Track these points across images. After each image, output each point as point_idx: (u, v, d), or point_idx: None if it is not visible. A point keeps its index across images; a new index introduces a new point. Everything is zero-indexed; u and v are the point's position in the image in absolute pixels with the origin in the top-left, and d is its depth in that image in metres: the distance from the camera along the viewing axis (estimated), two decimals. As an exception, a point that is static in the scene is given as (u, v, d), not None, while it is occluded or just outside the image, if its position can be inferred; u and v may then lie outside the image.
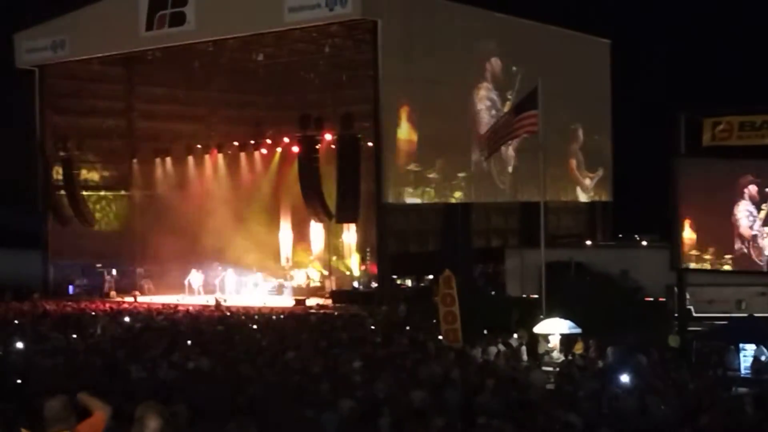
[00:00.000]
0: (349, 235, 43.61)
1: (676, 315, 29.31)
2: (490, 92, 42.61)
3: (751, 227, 27.07)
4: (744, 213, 27.10)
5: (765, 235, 26.95)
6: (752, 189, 26.90)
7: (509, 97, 42.10)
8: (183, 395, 13.66)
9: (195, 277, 42.36)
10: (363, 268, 42.24)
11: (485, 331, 26.52)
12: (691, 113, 28.39)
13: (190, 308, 36.20)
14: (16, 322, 32.19)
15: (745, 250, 27.21)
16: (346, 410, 13.17)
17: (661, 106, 36.14)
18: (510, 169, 43.29)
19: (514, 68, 42.78)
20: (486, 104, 42.38)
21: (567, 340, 25.84)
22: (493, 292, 39.29)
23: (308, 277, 43.04)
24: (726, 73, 47.99)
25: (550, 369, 22.95)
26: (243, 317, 32.13)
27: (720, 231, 27.76)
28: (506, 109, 40.05)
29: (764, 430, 13.11)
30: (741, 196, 27.10)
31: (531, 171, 38.61)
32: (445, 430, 11.43)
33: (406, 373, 18.07)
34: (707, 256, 28.08)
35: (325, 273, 42.93)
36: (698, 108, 28.75)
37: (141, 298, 41.50)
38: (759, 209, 26.87)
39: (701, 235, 27.98)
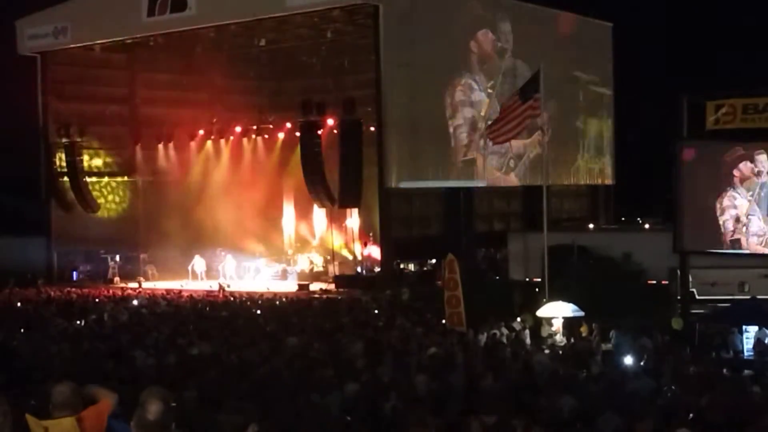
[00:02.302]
0: (352, 219, 43.65)
1: (678, 298, 29.36)
2: (497, 72, 42.41)
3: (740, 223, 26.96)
4: (731, 213, 26.93)
5: None
6: (744, 168, 26.76)
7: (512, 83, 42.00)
8: (187, 381, 13.72)
9: (198, 263, 42.43)
10: (366, 252, 42.27)
11: (488, 315, 26.54)
12: (694, 96, 28.37)
13: (194, 294, 36.25)
14: (19, 305, 32.39)
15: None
16: (350, 394, 13.23)
17: (663, 89, 36.12)
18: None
19: (517, 56, 42.69)
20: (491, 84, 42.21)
21: (570, 324, 25.90)
22: (496, 276, 39.35)
23: (311, 262, 43.11)
24: (729, 56, 47.89)
25: (553, 352, 22.98)
26: (247, 302, 32.19)
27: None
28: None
29: (767, 411, 13.13)
30: (730, 183, 26.94)
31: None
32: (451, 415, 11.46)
33: (410, 357, 18.11)
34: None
35: (328, 258, 42.98)
36: (701, 91, 28.73)
37: (145, 284, 41.56)
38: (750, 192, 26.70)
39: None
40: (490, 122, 38.10)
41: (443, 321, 26.09)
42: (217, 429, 7.37)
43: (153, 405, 5.45)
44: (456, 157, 40.86)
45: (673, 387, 15.58)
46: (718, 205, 26.91)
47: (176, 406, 5.66)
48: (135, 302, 32.25)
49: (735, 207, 26.81)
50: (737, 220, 26.84)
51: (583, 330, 25.45)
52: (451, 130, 40.72)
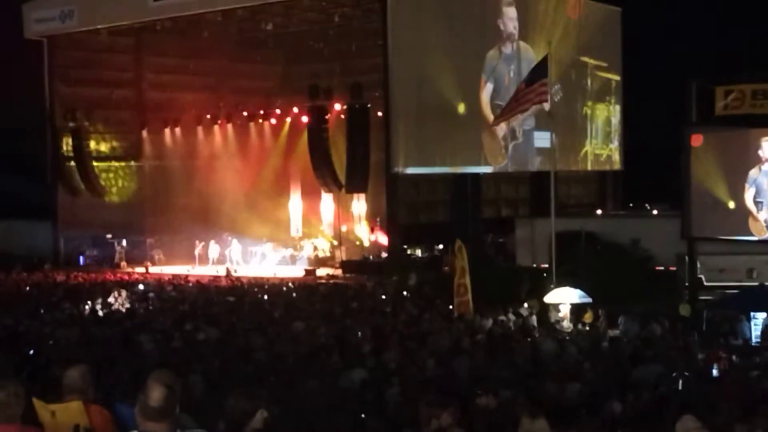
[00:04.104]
0: (359, 205, 43.58)
1: (686, 284, 29.30)
2: (499, 58, 42.17)
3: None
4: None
5: None
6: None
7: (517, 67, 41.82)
8: (194, 365, 13.72)
9: (213, 249, 42.46)
10: (373, 238, 42.23)
11: (495, 301, 26.50)
12: (703, 82, 28.26)
13: (201, 279, 36.26)
14: (27, 288, 32.45)
15: None
16: (357, 380, 13.21)
17: (672, 75, 35.93)
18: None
19: (524, 41, 42.47)
20: (499, 70, 41.93)
21: (577, 310, 25.87)
22: (503, 262, 39.30)
23: (315, 248, 42.97)
24: (739, 42, 47.64)
25: (561, 338, 22.95)
26: (253, 288, 32.18)
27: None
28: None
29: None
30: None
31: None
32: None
33: (416, 343, 18.09)
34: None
35: (335, 243, 42.96)
36: (710, 76, 28.60)
37: (152, 269, 41.57)
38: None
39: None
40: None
41: (450, 307, 26.06)
42: (224, 414, 7.31)
43: (155, 391, 5.38)
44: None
45: (680, 373, 15.52)
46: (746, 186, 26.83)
47: (181, 391, 5.60)
48: (141, 287, 32.25)
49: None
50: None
51: (588, 316, 25.44)
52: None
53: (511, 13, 42.37)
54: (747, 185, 26.85)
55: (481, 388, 12.07)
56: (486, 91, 41.00)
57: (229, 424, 6.47)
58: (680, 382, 14.52)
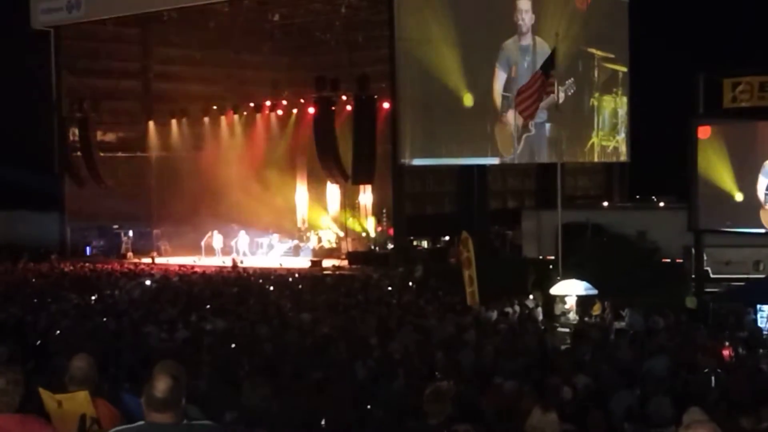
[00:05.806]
0: (365, 196, 43.58)
1: (693, 276, 29.30)
2: (516, 49, 42.01)
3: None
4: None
5: None
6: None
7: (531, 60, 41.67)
8: (200, 356, 13.73)
9: (216, 239, 42.51)
10: (379, 229, 42.23)
11: (501, 293, 26.51)
12: (710, 74, 28.20)
13: (207, 269, 36.29)
14: (34, 279, 32.52)
15: None
16: (363, 371, 13.21)
17: (679, 67, 35.86)
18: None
19: (536, 33, 42.33)
20: (514, 61, 41.77)
21: (583, 302, 25.87)
22: (509, 254, 39.30)
23: (320, 240, 42.98)
24: (747, 34, 47.46)
25: (566, 330, 22.98)
26: (259, 279, 32.21)
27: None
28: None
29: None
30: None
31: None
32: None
33: (422, 334, 18.07)
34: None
35: (341, 234, 42.96)
36: (717, 68, 28.54)
37: (158, 259, 41.64)
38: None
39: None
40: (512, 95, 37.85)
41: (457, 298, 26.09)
42: (236, 405, 7.33)
43: (161, 382, 5.37)
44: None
45: (686, 366, 15.50)
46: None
47: (188, 382, 5.59)
48: (148, 282, 32.27)
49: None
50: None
51: (596, 308, 25.45)
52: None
53: (524, 5, 42.21)
54: (761, 176, 26.79)
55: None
56: (499, 81, 40.82)
57: (243, 414, 6.44)
58: (687, 374, 14.50)
